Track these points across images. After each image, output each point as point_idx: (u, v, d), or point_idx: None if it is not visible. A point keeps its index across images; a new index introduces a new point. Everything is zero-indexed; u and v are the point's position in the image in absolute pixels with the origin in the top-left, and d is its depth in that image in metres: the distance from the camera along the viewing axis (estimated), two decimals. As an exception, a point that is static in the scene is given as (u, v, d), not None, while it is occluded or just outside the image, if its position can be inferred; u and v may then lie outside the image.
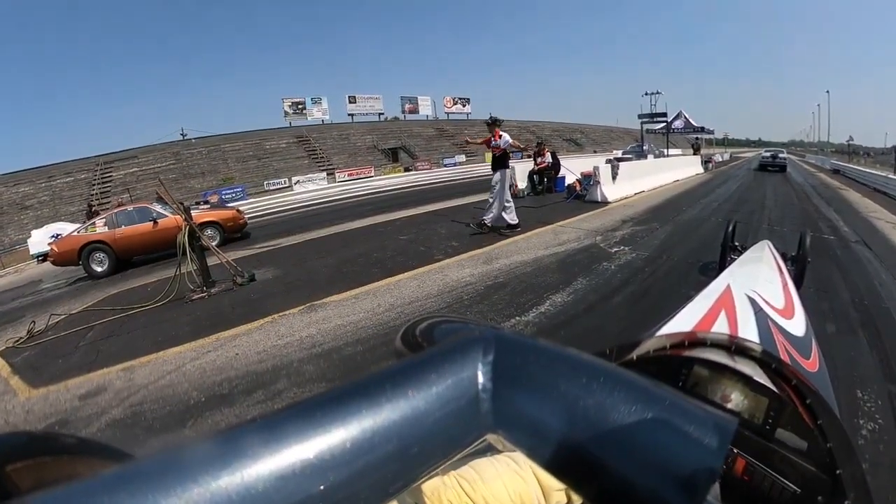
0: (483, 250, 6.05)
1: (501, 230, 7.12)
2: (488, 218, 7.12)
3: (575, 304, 3.93)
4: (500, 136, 6.99)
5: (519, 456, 0.72)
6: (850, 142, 54.49)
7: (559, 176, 12.13)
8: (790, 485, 0.56)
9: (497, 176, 7.04)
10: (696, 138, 32.94)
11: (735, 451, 0.61)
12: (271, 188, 24.88)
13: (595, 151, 38.74)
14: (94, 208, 15.42)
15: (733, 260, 2.91)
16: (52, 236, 10.97)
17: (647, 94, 31.66)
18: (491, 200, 7.14)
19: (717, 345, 0.75)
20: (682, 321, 1.17)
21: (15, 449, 0.29)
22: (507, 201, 7.11)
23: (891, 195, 12.58)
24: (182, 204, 5.73)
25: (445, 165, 30.77)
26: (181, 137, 32.21)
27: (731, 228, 3.64)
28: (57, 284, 8.40)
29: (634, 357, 0.74)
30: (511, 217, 7.14)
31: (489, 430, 0.26)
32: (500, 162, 7.06)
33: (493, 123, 7.12)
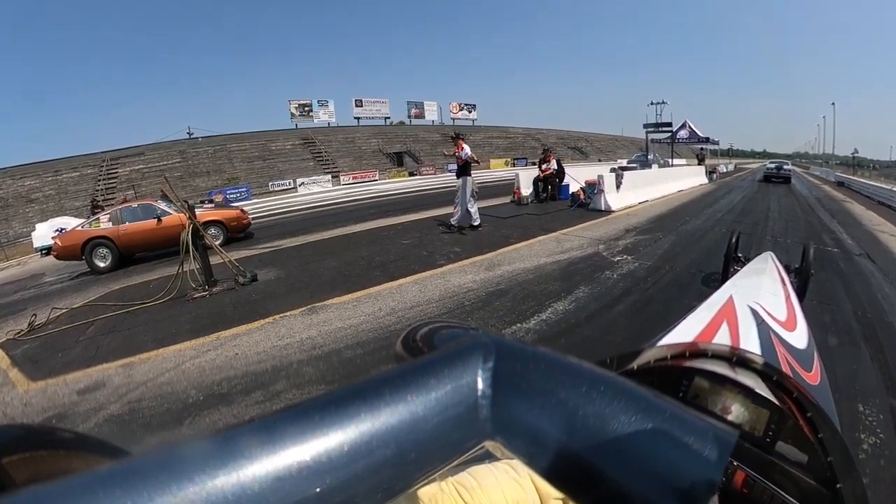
0: (485, 256, 6.05)
1: (463, 229, 8.01)
2: (454, 220, 8.17)
3: (576, 313, 3.92)
4: (462, 149, 8.00)
5: (517, 463, 0.72)
6: (855, 154, 54.25)
7: (563, 184, 12.13)
8: (790, 498, 0.56)
9: (459, 182, 8.10)
10: (701, 149, 32.88)
11: (735, 463, 0.60)
12: (276, 189, 24.95)
13: (600, 160, 38.75)
14: (98, 203, 15.47)
15: (736, 271, 2.90)
16: (57, 230, 11.02)
17: (652, 103, 31.55)
18: (456, 202, 8.17)
19: (718, 356, 0.74)
20: (684, 331, 1.17)
21: (12, 442, 0.29)
22: (470, 204, 8.08)
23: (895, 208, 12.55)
24: (186, 202, 5.74)
25: (450, 171, 30.74)
26: (188, 136, 32.37)
27: (734, 239, 3.63)
28: (59, 278, 8.42)
29: (635, 367, 0.74)
30: (475, 218, 8.15)
31: (488, 437, 0.26)
32: (462, 170, 8.08)
33: (457, 137, 8.32)
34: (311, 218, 13.01)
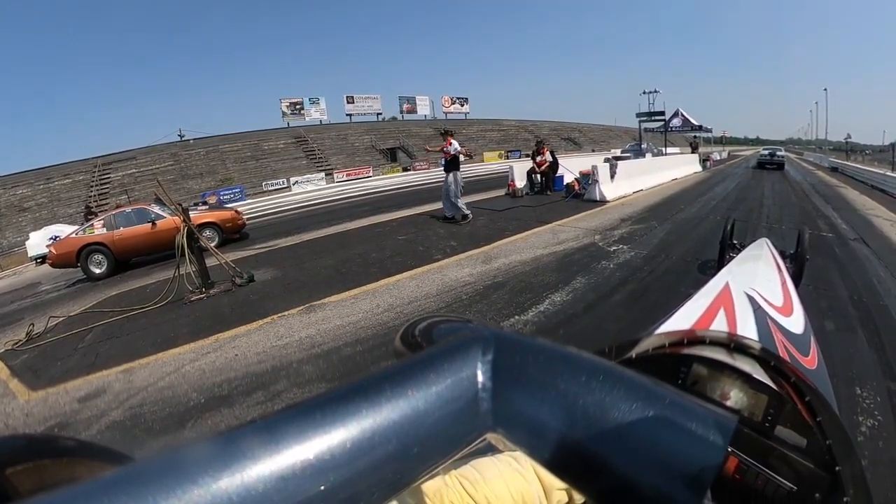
0: (481, 250, 6.06)
1: (466, 219, 8.30)
2: (448, 213, 8.58)
3: (574, 303, 3.94)
4: (451, 144, 8.22)
5: (520, 455, 0.72)
6: (848, 139, 54.44)
7: (557, 175, 12.14)
8: (785, 482, 0.56)
9: (450, 178, 8.33)
10: (695, 137, 32.97)
11: (729, 449, 0.60)
12: (270, 189, 24.81)
13: (593, 150, 38.70)
14: (92, 210, 15.37)
15: (732, 258, 2.91)
16: (51, 238, 10.96)
17: (644, 92, 31.51)
18: (451, 198, 8.45)
19: (716, 343, 0.75)
20: (681, 319, 1.17)
21: (15, 452, 0.29)
22: (456, 197, 8.36)
23: (889, 192, 12.62)
24: (180, 205, 5.71)
25: (442, 166, 30.52)
26: (179, 138, 32.11)
27: (729, 227, 3.65)
28: (56, 286, 8.38)
29: (633, 355, 0.74)
30: (464, 210, 8.39)
31: (489, 429, 0.26)
32: (451, 165, 8.28)
33: (445, 133, 8.54)
34: (305, 216, 12.97)
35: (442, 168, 8.81)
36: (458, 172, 8.36)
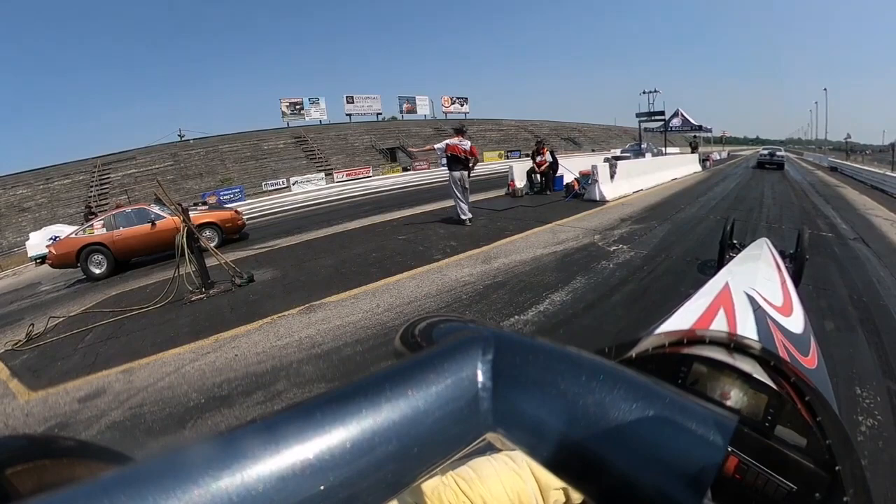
0: (481, 250, 6.06)
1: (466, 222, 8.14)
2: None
3: (574, 303, 3.94)
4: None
5: (517, 454, 0.72)
6: (848, 139, 54.46)
7: (557, 175, 12.14)
8: (785, 482, 0.56)
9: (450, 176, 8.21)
10: (694, 137, 32.95)
11: (729, 448, 0.60)
12: (269, 189, 24.80)
13: (593, 150, 38.69)
14: (92, 210, 15.36)
15: (731, 258, 2.91)
16: (51, 238, 10.95)
17: (644, 92, 31.50)
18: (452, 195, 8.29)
19: (716, 342, 0.74)
20: (681, 319, 1.17)
21: (15, 452, 0.29)
22: (458, 198, 8.14)
23: (889, 192, 12.62)
24: (180, 205, 5.71)
25: (444, 165, 30.41)
26: (179, 138, 32.11)
27: (729, 227, 3.65)
28: (55, 287, 8.38)
29: (633, 355, 0.74)
30: (462, 213, 8.18)
31: (489, 429, 0.26)
32: (448, 163, 8.14)
33: (455, 131, 8.38)
34: (305, 217, 12.97)
35: (443, 166, 8.69)
36: (454, 172, 8.13)
